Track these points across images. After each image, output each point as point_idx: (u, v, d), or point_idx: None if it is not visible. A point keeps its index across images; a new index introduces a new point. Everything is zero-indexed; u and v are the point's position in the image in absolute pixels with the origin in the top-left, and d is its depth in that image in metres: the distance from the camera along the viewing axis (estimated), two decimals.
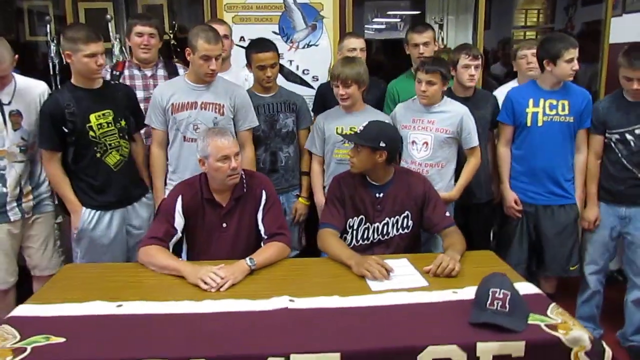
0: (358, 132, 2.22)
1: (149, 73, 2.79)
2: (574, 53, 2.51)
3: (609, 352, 1.52)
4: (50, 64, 3.32)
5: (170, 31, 3.80)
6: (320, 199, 2.64)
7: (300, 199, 2.78)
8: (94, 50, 2.26)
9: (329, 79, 2.64)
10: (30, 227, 2.49)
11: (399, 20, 4.47)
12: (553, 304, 1.69)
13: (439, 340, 1.48)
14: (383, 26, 4.34)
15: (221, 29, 2.76)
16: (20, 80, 2.40)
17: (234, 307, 1.70)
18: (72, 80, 2.39)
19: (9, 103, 2.33)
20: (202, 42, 2.34)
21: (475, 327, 1.55)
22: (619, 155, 2.55)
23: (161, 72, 2.83)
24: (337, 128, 2.57)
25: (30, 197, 2.45)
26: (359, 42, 2.88)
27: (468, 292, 1.73)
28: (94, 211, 2.43)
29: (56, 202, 2.55)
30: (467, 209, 2.75)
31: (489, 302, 1.57)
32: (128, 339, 1.52)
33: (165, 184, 2.58)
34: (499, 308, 1.56)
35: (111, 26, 3.33)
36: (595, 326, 2.77)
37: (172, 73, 2.82)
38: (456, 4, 3.82)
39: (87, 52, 2.25)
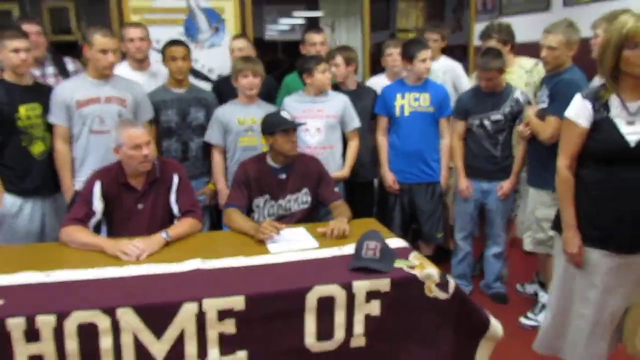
0: (290, 120, 2.52)
1: (38, 73, 2.90)
2: (425, 54, 3.00)
3: (452, 282, 1.95)
4: None
5: (81, 33, 3.89)
6: (221, 185, 2.94)
7: (210, 184, 3.06)
8: (17, 45, 2.46)
9: (232, 74, 2.92)
10: None
11: (295, 23, 4.86)
12: (415, 252, 2.11)
13: (322, 281, 1.84)
14: (281, 28, 4.69)
15: (138, 32, 3.00)
16: None
17: (152, 270, 1.96)
18: (5, 76, 2.56)
19: None
20: (98, 36, 2.58)
21: (353, 272, 1.92)
22: (479, 137, 3.07)
23: (50, 69, 2.95)
24: (238, 119, 2.88)
25: None
26: (242, 43, 3.24)
27: (351, 249, 2.09)
28: (14, 197, 2.57)
29: None
30: (353, 187, 3.17)
31: (363, 251, 1.96)
32: (61, 296, 1.74)
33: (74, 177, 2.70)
34: (371, 256, 1.94)
35: None
36: (468, 283, 3.27)
37: (61, 68, 2.97)
38: (346, 7, 4.22)
39: (11, 47, 2.46)
